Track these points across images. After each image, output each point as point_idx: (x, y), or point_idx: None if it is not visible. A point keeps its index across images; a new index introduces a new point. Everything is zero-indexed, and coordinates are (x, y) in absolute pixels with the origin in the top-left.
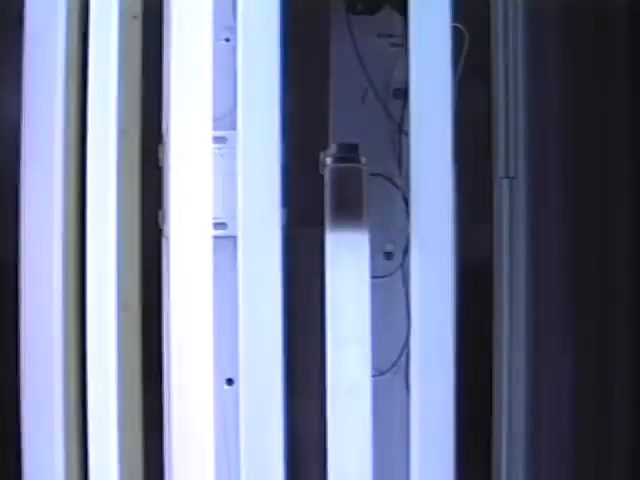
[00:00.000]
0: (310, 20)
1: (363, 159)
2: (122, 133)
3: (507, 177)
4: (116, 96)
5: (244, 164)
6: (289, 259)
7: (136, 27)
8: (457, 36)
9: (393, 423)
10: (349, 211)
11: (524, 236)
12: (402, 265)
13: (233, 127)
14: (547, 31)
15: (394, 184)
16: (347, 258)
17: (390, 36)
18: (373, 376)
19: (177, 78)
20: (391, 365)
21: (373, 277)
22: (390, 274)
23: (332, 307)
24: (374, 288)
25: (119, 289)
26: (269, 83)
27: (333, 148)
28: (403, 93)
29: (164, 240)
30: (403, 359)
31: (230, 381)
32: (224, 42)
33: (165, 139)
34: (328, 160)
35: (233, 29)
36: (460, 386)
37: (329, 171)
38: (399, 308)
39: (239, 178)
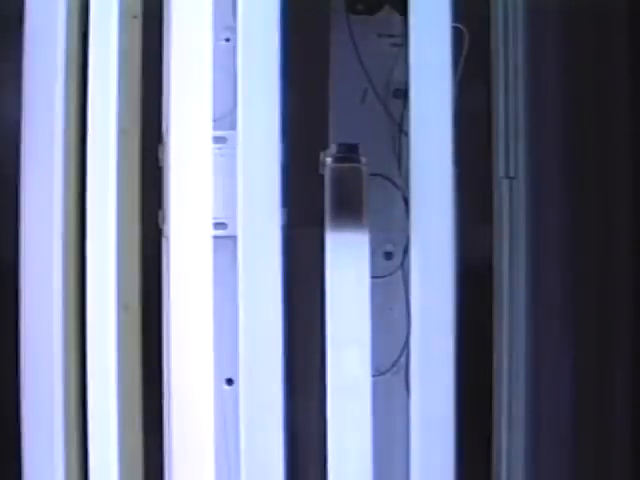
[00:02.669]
0: (310, 20)
1: (363, 159)
2: (122, 133)
3: (507, 177)
4: (116, 96)
5: (244, 164)
6: (289, 259)
7: (136, 27)
8: (457, 36)
9: (393, 423)
10: (349, 211)
11: (524, 236)
12: (402, 265)
13: (233, 127)
14: (547, 31)
15: (394, 184)
16: (347, 258)
17: (390, 36)
18: (373, 376)
19: (177, 78)
20: (391, 365)
21: (373, 277)
22: (390, 274)
23: (332, 307)
24: (374, 288)
25: (119, 289)
26: (269, 83)
27: (333, 148)
28: (403, 93)
29: (164, 240)
30: (403, 359)
31: (230, 381)
32: (224, 42)
33: (165, 139)
34: (328, 160)
35: (233, 29)
36: (460, 386)
37: (329, 171)
38: (399, 308)
39: (239, 178)
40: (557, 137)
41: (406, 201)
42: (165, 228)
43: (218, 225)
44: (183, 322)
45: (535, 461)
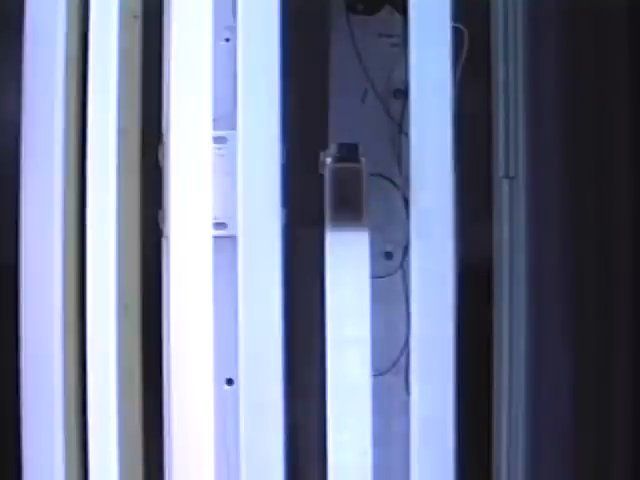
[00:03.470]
0: (310, 20)
1: (363, 159)
2: (122, 133)
3: (507, 177)
4: (116, 96)
5: (244, 164)
6: (289, 259)
7: (136, 27)
8: (457, 36)
9: (393, 423)
10: (349, 211)
11: (524, 236)
12: (402, 265)
13: (233, 127)
14: (547, 31)
15: (394, 184)
16: (347, 258)
17: (390, 36)
18: (373, 376)
19: (177, 78)
20: (391, 365)
21: (373, 277)
22: (390, 274)
23: (332, 307)
24: (374, 288)
25: (119, 289)
26: (269, 83)
27: (333, 148)
28: (403, 93)
29: (164, 240)
30: (403, 359)
31: (230, 381)
32: (224, 42)
33: (165, 139)
34: (328, 160)
35: (233, 29)
36: (460, 386)
37: (329, 171)
38: (399, 308)
39: (239, 178)
40: (557, 137)
41: (406, 201)
42: (165, 228)
43: (218, 225)
44: (183, 322)
45: (535, 461)
